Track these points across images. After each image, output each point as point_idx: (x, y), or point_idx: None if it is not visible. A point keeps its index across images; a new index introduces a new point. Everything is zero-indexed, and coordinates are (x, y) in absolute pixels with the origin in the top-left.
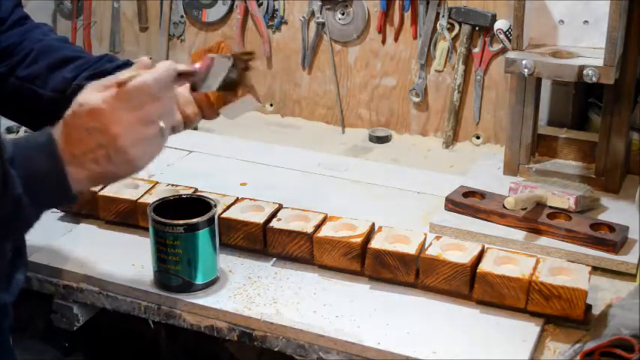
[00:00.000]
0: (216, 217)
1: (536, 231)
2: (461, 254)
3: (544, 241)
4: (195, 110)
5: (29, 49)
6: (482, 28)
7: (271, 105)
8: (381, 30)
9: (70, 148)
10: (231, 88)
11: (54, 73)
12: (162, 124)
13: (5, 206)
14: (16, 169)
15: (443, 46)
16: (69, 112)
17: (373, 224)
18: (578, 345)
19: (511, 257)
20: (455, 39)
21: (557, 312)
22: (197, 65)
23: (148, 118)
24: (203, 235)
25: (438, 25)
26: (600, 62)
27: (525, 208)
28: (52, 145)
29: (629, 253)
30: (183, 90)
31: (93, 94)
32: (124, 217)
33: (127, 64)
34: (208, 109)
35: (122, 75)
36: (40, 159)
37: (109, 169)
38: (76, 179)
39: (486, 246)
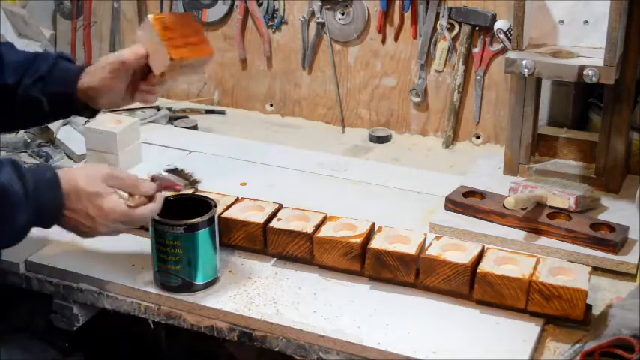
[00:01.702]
0: (216, 217)
1: (536, 231)
2: (461, 254)
3: (544, 241)
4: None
5: None
6: (482, 28)
7: (271, 105)
8: (381, 30)
9: (68, 204)
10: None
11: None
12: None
13: (18, 227)
14: (33, 200)
15: (443, 46)
16: (87, 189)
17: (373, 224)
18: (578, 345)
19: (511, 257)
20: (455, 39)
21: (557, 312)
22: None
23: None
24: (203, 235)
25: (438, 25)
26: (600, 62)
27: (525, 208)
28: (58, 188)
29: (629, 253)
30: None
31: (113, 197)
32: None
33: (58, 60)
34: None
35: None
36: (49, 193)
37: (74, 231)
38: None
39: (486, 246)
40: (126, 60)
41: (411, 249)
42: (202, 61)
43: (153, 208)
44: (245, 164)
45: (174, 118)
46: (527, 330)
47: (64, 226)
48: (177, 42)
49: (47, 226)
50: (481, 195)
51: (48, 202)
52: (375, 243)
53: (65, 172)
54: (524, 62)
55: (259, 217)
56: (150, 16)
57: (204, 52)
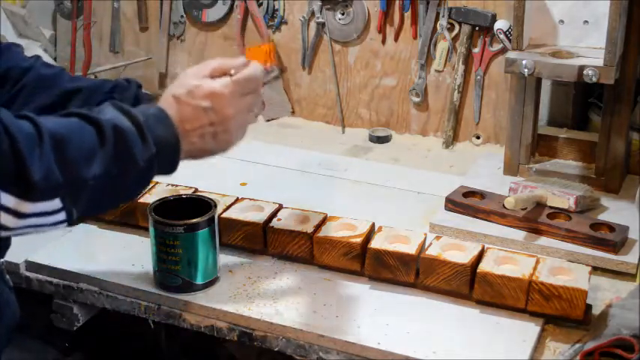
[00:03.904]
0: (216, 217)
1: (536, 231)
2: (461, 254)
3: (544, 241)
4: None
5: (18, 80)
6: (482, 28)
7: None
8: (381, 30)
9: (182, 122)
10: None
11: (59, 109)
12: (256, 111)
13: (144, 164)
14: (148, 130)
15: (443, 46)
16: (182, 90)
17: (373, 224)
18: (578, 345)
19: (511, 257)
20: (455, 39)
21: (557, 312)
22: (268, 65)
23: (251, 106)
24: (203, 235)
25: (438, 25)
26: (600, 62)
27: (525, 208)
28: (167, 116)
29: (629, 253)
30: None
31: (208, 79)
32: (124, 217)
33: (139, 91)
34: None
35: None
36: (159, 126)
37: (209, 146)
38: (182, 151)
39: (486, 246)
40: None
41: (411, 249)
42: None
43: (251, 69)
44: (245, 164)
45: None
46: (527, 330)
47: (191, 145)
48: None
49: (172, 159)
50: (481, 195)
51: (161, 128)
52: (375, 243)
53: (160, 100)
54: (524, 62)
55: (259, 217)
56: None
57: None
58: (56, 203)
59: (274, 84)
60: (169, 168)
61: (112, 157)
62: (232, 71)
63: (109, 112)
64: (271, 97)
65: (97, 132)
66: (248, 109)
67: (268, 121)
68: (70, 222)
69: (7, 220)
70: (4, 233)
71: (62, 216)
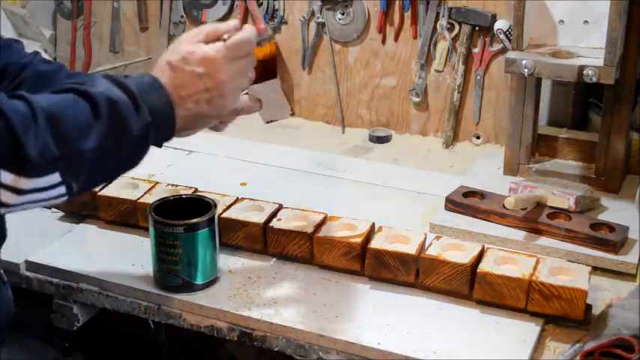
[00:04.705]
0: (216, 217)
1: (536, 231)
2: (461, 254)
3: (544, 241)
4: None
5: (17, 75)
6: (482, 28)
7: None
8: (381, 30)
9: (176, 89)
10: None
11: None
12: (250, 75)
13: (140, 134)
14: (141, 100)
15: (443, 46)
16: (176, 57)
17: (373, 224)
18: (578, 345)
19: (511, 257)
20: (455, 39)
21: (557, 312)
22: (262, 26)
23: (244, 70)
24: (203, 235)
25: (438, 25)
26: (600, 62)
27: (525, 208)
28: (161, 84)
29: (629, 253)
30: None
31: (202, 45)
32: (124, 217)
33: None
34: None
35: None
36: (153, 95)
37: (205, 112)
38: (177, 118)
39: (486, 246)
40: (244, 107)
41: (411, 249)
42: None
43: (244, 32)
44: (245, 164)
45: None
46: (527, 330)
47: (187, 111)
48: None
49: (168, 126)
50: (481, 195)
51: (155, 96)
52: (375, 243)
53: (155, 67)
54: (524, 62)
55: (259, 217)
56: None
57: None
58: (55, 177)
59: (274, 86)
60: (166, 135)
61: (107, 129)
62: (225, 36)
63: (101, 85)
64: (271, 99)
65: (91, 105)
66: (242, 72)
67: (268, 122)
68: (71, 195)
69: (7, 197)
70: (3, 210)
71: (62, 189)
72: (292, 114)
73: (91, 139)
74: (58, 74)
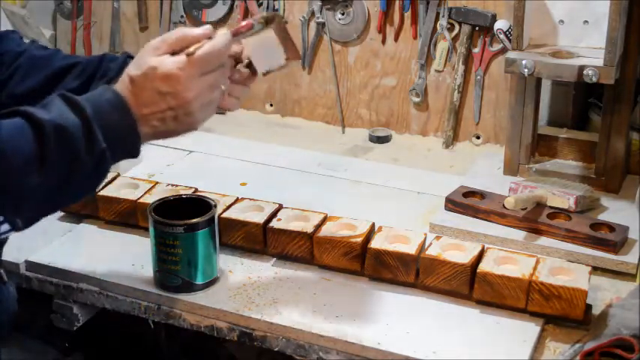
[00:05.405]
0: (216, 217)
1: (536, 231)
2: (461, 254)
3: (544, 241)
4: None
5: (12, 63)
6: (482, 28)
7: (271, 105)
8: (381, 30)
9: (139, 107)
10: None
11: (55, 86)
12: (223, 87)
13: (92, 161)
14: (97, 124)
15: (443, 46)
16: (138, 72)
17: (373, 224)
18: (578, 345)
19: (511, 257)
20: (455, 39)
21: (557, 312)
22: (243, 23)
23: (215, 84)
24: (203, 235)
25: (438, 25)
26: (600, 62)
27: (525, 208)
28: (122, 102)
29: (629, 253)
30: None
31: (165, 59)
32: (124, 217)
33: (127, 60)
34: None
35: (188, 33)
36: (113, 115)
37: (172, 128)
38: (141, 135)
39: (486, 246)
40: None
41: (411, 249)
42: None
43: (213, 43)
44: (245, 164)
45: None
46: (527, 330)
47: (152, 129)
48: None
49: (132, 144)
50: (481, 195)
51: (114, 116)
52: (375, 243)
53: (119, 81)
54: (524, 62)
55: (259, 217)
56: (262, 15)
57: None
58: None
59: (265, 35)
60: (130, 153)
61: (54, 160)
62: (191, 48)
63: (55, 109)
64: (260, 50)
65: (37, 135)
66: (212, 86)
67: (265, 74)
68: (18, 229)
69: None
70: None
71: (5, 227)
72: (287, 58)
73: (34, 174)
74: (54, 57)
